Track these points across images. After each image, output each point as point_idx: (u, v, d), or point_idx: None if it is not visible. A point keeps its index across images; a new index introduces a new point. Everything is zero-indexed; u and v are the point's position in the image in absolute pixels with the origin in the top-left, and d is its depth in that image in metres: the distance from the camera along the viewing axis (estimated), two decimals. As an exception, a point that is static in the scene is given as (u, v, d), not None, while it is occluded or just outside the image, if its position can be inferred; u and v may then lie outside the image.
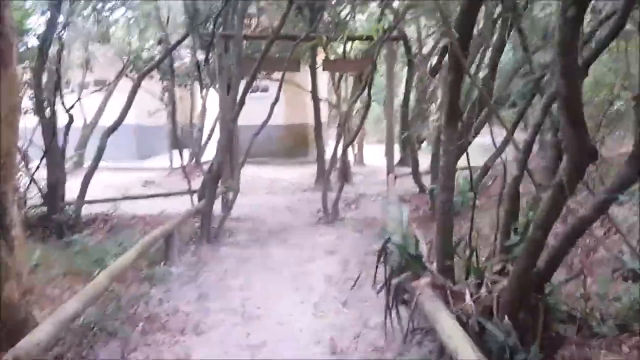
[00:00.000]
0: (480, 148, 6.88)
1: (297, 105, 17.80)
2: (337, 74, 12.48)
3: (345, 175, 12.09)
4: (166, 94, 14.26)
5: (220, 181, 6.92)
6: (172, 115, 7.84)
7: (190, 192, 8.23)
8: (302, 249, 6.51)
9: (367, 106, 7.63)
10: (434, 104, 20.29)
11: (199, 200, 7.65)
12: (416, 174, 8.86)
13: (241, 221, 8.13)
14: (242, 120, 7.31)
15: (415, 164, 8.84)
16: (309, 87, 14.62)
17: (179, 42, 7.36)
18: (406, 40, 8.65)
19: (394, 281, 3.66)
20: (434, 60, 14.26)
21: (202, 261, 6.09)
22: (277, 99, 7.11)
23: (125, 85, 14.20)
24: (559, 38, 2.14)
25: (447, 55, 3.38)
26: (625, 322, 3.48)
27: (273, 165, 17.03)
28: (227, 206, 7.45)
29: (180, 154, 8.48)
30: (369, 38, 9.62)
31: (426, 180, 9.05)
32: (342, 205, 8.53)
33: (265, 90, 18.31)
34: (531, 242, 2.93)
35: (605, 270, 4.18)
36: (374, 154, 17.10)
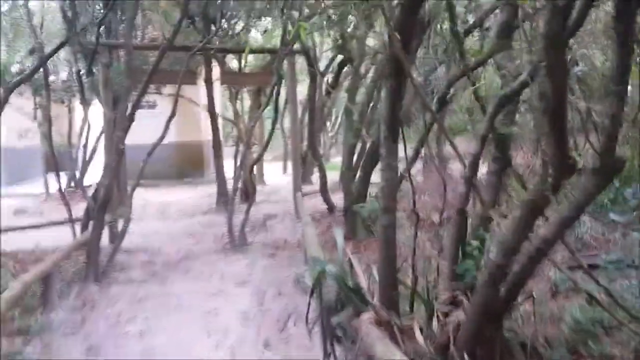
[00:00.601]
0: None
1: (189, 122, 16.77)
2: (233, 89, 11.82)
3: (248, 195, 11.47)
4: (39, 112, 12.66)
5: (107, 208, 5.96)
6: (48, 134, 6.73)
7: (72, 220, 7.12)
8: (209, 280, 5.77)
9: (275, 121, 7.11)
10: (328, 121, 20.46)
11: (82, 230, 6.60)
12: (325, 192, 8.47)
13: (134, 253, 7.15)
14: (127, 139, 6.42)
15: (324, 181, 8.46)
16: (201, 102, 13.85)
17: (55, 51, 6.31)
18: (309, 53, 8.31)
19: (334, 319, 3.14)
20: (330, 76, 14.24)
21: (90, 304, 5.12)
22: (173, 114, 6.34)
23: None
24: (547, 29, 1.79)
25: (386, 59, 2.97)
26: (574, 344, 3.29)
27: (165, 187, 15.82)
28: (117, 236, 6.48)
29: (57, 177, 7.32)
30: (271, 51, 9.20)
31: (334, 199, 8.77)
32: (247, 229, 7.88)
33: (152, 106, 17.12)
34: (494, 268, 2.59)
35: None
36: (271, 172, 16.60)
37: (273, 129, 7.20)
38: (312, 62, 8.26)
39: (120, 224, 6.75)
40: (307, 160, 15.52)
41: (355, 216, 6.44)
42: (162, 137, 6.37)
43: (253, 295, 5.24)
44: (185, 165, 17.06)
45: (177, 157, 16.89)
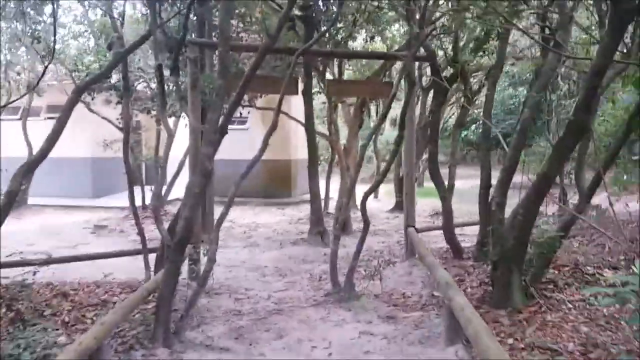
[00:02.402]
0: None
1: (278, 138, 15.67)
2: (333, 101, 10.37)
3: (345, 225, 9.98)
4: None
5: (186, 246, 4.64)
6: (125, 144, 5.64)
7: (146, 251, 5.96)
8: (310, 354, 4.25)
9: (400, 139, 5.53)
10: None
11: (157, 268, 5.39)
12: (450, 229, 6.72)
13: (214, 295, 5.84)
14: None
15: (448, 215, 6.70)
16: (294, 115, 12.61)
17: (137, 45, 5.19)
18: (435, 61, 6.71)
19: None
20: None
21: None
22: (274, 127, 4.96)
23: (84, 112, 11.93)
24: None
25: None
26: None
27: (251, 206, 14.78)
28: (199, 276, 5.17)
29: (130, 193, 6.24)
30: (390, 57, 7.69)
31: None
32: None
33: (243, 122, 16.21)
34: None
35: None
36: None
37: (398, 148, 5.60)
38: (437, 72, 6.64)
39: (203, 259, 5.46)
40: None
41: (510, 271, 4.68)
42: (262, 152, 5.01)
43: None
44: (273, 184, 15.96)
45: (265, 175, 15.85)
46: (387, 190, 15.87)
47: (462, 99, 12.64)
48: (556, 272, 5.44)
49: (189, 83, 5.45)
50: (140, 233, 5.89)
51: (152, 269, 5.78)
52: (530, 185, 4.58)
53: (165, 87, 5.64)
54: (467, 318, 3.40)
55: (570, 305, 4.62)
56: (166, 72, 5.51)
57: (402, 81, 6.55)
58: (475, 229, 8.64)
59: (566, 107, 8.00)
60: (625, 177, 6.81)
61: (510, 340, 3.95)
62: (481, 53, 7.64)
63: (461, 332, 3.77)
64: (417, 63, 7.88)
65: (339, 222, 5.58)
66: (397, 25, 10.03)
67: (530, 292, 4.84)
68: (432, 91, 10.81)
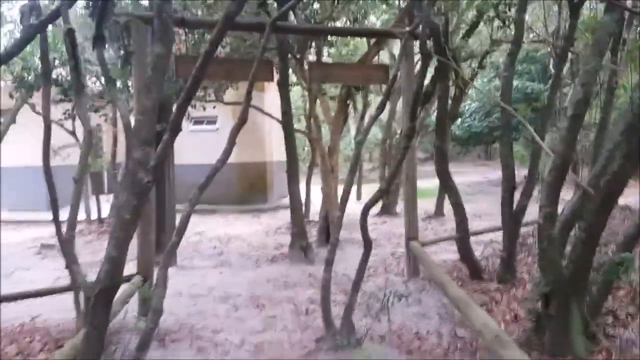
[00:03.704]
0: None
1: (252, 138, 14.30)
2: (313, 89, 8.97)
3: (328, 235, 8.66)
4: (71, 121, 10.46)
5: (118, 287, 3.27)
6: (45, 146, 4.26)
7: (76, 289, 4.55)
8: None
9: (412, 132, 4.19)
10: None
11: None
12: (466, 245, 5.44)
13: (171, 343, 4.46)
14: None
15: (464, 227, 5.40)
16: (269, 112, 11.23)
17: (55, 15, 3.79)
18: (439, 38, 5.44)
19: None
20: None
21: None
22: (243, 120, 3.62)
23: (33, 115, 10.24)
24: None
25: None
26: None
27: (223, 214, 13.37)
28: (148, 314, 3.78)
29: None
30: (384, 34, 6.39)
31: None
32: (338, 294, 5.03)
33: (212, 121, 14.76)
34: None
35: None
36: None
37: (409, 145, 4.23)
38: (442, 49, 5.37)
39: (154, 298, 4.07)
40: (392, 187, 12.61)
41: (569, 307, 3.45)
42: (228, 152, 3.66)
43: None
44: (247, 189, 14.60)
45: (238, 179, 14.49)
46: (371, 190, 14.56)
47: (455, 90, 11.51)
48: (611, 297, 4.25)
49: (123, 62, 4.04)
50: (69, 265, 4.46)
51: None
52: (592, 191, 3.34)
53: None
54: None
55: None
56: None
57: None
58: (485, 235, 7.53)
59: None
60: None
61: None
62: (501, 24, 6.43)
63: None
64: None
65: (332, 243, 4.22)
66: (384, 7, 8.72)
67: (592, 331, 3.62)
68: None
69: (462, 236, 5.30)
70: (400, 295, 4.23)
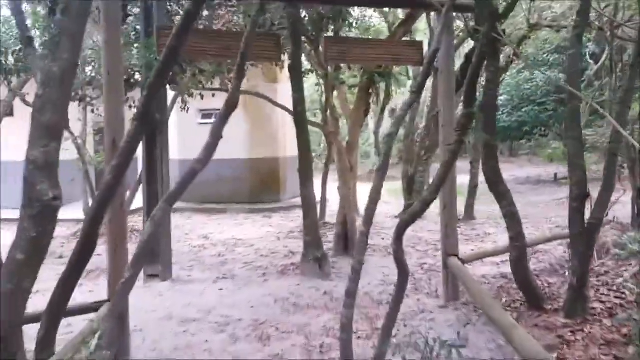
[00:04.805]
0: None
1: (265, 132, 13.26)
2: (330, 76, 7.83)
3: (347, 243, 7.61)
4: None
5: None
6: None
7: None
8: None
9: (469, 120, 3.10)
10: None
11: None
12: (523, 266, 4.28)
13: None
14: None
15: (522, 243, 4.25)
16: (280, 100, 10.15)
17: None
18: (492, 5, 4.32)
19: None
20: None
21: None
22: (232, 104, 2.60)
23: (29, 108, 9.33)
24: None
25: None
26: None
27: (232, 214, 12.39)
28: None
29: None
30: (421, 5, 5.26)
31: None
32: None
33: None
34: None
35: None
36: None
37: (462, 139, 3.17)
38: (494, 26, 4.25)
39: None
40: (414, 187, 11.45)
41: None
42: (211, 148, 2.62)
43: None
44: (258, 186, 13.57)
45: (249, 176, 13.49)
46: (392, 188, 13.45)
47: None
48: None
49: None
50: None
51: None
52: None
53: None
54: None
55: None
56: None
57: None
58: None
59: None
60: None
61: None
62: None
63: None
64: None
65: (354, 269, 3.16)
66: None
67: None
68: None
69: (519, 256, 4.18)
70: (450, 346, 3.13)
